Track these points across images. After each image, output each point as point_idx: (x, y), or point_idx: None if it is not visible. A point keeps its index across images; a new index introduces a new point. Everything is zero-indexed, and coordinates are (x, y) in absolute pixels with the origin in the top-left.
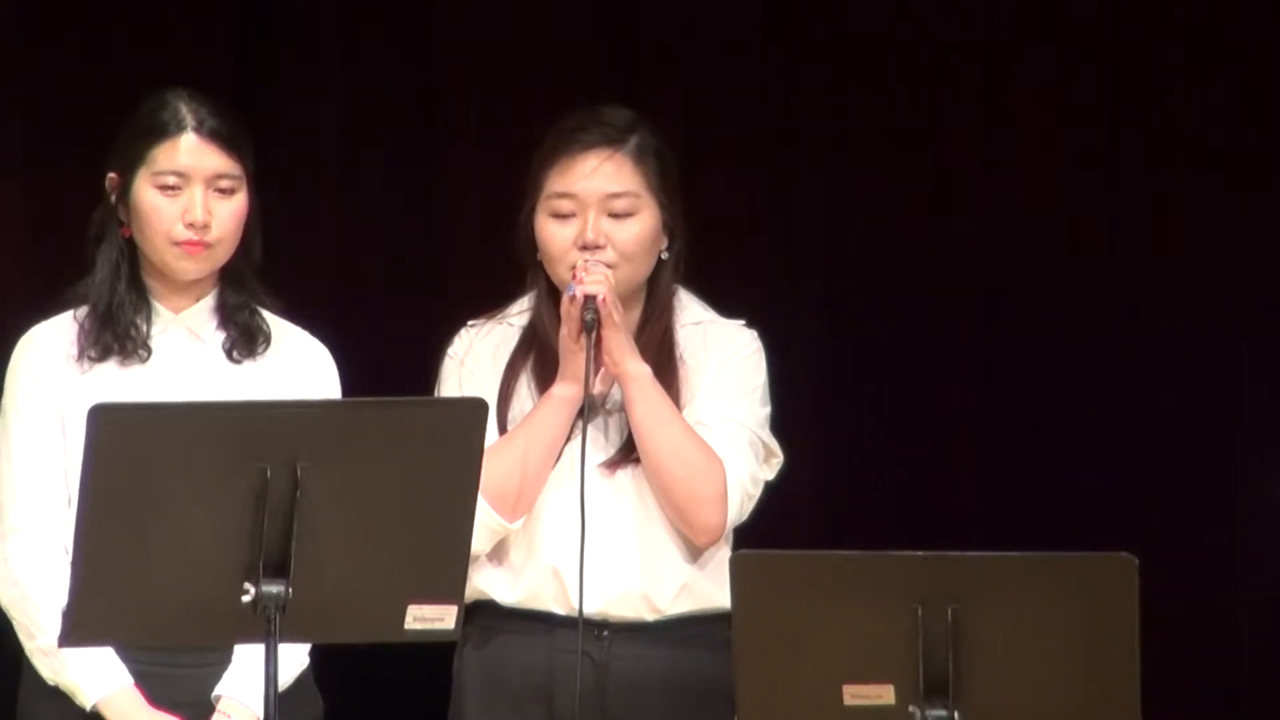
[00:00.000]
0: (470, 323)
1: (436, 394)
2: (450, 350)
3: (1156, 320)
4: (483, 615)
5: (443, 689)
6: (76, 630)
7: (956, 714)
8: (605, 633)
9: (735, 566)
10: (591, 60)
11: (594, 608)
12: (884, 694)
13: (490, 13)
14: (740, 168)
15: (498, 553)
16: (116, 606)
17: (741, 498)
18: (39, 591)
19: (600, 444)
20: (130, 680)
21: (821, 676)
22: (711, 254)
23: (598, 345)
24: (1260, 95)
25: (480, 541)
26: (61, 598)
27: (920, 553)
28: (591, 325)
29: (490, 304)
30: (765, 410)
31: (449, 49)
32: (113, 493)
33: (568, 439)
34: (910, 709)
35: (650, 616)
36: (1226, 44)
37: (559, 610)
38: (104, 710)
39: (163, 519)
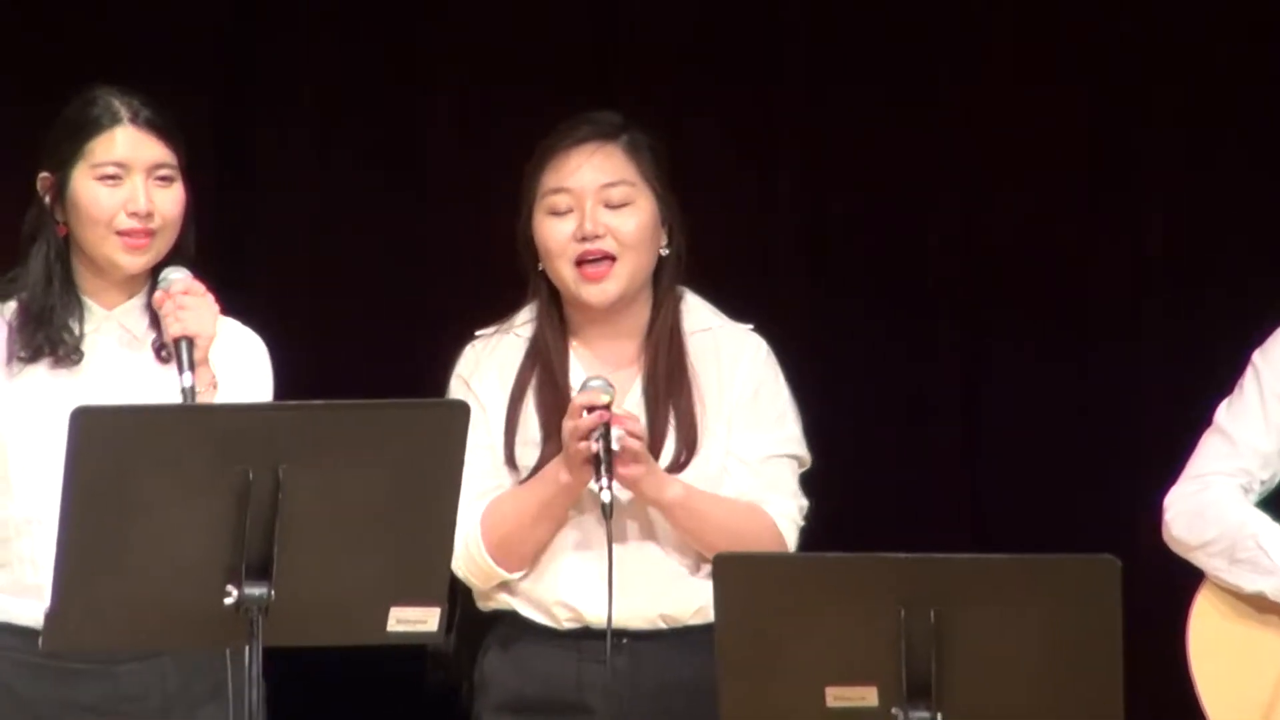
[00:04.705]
0: (478, 333)
1: None
2: (457, 369)
3: (1143, 319)
4: (504, 625)
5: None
6: (60, 633)
7: (939, 716)
8: (624, 640)
9: (718, 568)
10: (584, 61)
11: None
12: (867, 696)
13: (482, 13)
14: (733, 166)
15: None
16: (99, 610)
17: (795, 533)
18: None
19: None
20: None
21: (804, 678)
22: (699, 254)
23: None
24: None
25: (482, 583)
26: None
27: (903, 555)
28: (602, 454)
29: (480, 308)
30: (798, 425)
31: (443, 50)
32: (95, 496)
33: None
34: (893, 711)
35: (667, 627)
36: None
37: (578, 627)
38: None
39: (145, 522)
